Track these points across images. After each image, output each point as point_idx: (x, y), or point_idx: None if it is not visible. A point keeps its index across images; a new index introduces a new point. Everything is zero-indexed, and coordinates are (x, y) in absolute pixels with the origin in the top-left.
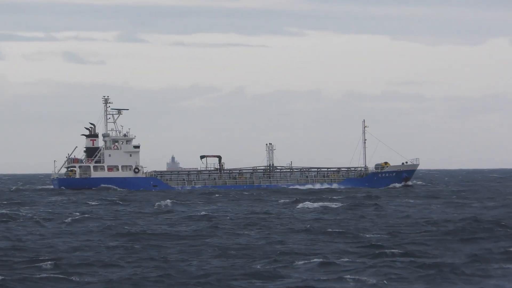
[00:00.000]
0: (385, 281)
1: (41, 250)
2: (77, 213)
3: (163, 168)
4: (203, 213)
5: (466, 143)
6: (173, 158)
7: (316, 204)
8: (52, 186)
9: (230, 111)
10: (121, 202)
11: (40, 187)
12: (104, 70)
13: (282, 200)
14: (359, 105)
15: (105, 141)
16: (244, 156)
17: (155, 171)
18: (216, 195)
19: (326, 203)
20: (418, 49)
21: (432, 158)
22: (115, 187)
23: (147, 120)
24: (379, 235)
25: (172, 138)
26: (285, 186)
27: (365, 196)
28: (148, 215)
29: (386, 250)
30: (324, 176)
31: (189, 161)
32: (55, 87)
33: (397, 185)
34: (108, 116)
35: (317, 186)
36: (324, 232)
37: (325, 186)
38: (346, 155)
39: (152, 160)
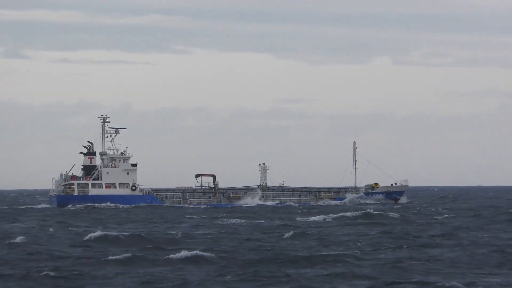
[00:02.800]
0: None
1: None
2: None
3: (50, 186)
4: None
5: (349, 160)
6: (61, 175)
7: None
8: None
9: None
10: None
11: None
12: None
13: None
14: (246, 122)
15: (103, 159)
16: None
17: (151, 189)
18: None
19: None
20: (302, 67)
21: (317, 175)
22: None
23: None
24: None
25: (57, 155)
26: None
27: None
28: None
29: None
30: (316, 196)
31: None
32: None
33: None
34: (106, 134)
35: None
36: None
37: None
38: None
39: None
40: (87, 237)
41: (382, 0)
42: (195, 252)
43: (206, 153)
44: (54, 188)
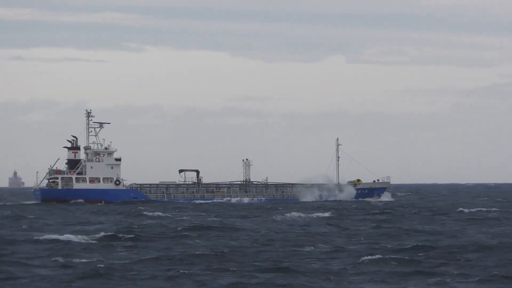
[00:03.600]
0: None
1: None
2: None
3: (5, 184)
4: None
5: (303, 158)
6: (15, 173)
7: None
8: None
9: (71, 125)
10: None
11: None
12: None
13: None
14: (201, 120)
15: (87, 154)
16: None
17: (135, 184)
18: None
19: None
20: (257, 65)
21: (268, 172)
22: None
23: None
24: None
25: (13, 154)
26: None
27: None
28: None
29: None
30: (298, 191)
31: (34, 177)
32: None
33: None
34: (90, 129)
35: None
36: None
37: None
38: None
39: None
40: None
41: (336, 0)
42: None
43: (161, 151)
44: (38, 182)
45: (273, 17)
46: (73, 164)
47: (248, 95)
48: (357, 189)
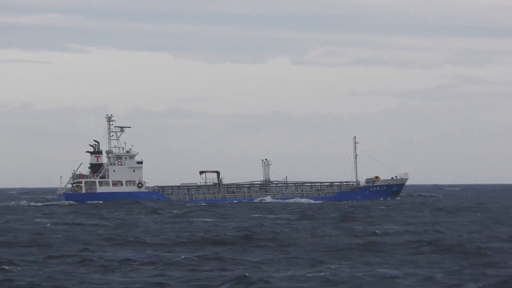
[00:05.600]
0: None
1: None
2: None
3: None
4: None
5: (246, 158)
6: None
7: None
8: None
9: (15, 126)
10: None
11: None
12: None
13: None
14: (145, 122)
15: (109, 158)
16: None
17: (157, 186)
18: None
19: None
20: (200, 66)
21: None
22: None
23: None
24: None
25: None
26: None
27: None
28: None
29: None
30: (318, 190)
31: None
32: None
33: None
34: (111, 133)
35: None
36: None
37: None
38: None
39: None
40: None
41: (280, 1)
42: None
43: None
44: (62, 186)
45: (217, 18)
46: (96, 168)
47: (192, 97)
48: (374, 186)
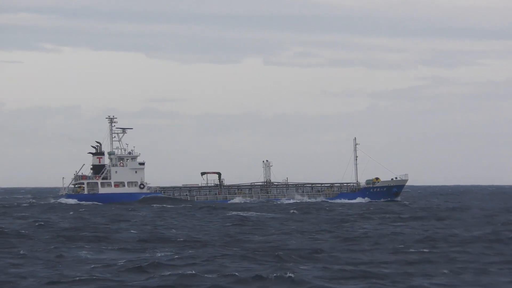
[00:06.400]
0: None
1: None
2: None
3: None
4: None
5: (218, 158)
6: None
7: None
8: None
9: None
10: None
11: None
12: None
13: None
14: (119, 121)
15: (111, 159)
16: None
17: (159, 187)
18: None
19: None
20: (173, 66)
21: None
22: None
23: None
24: None
25: None
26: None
27: None
28: None
29: None
30: (318, 191)
31: None
32: None
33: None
34: (113, 135)
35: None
36: None
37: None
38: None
39: None
40: None
41: (253, 2)
42: None
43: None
44: (64, 187)
45: (190, 19)
46: (98, 169)
47: (164, 97)
48: (375, 188)
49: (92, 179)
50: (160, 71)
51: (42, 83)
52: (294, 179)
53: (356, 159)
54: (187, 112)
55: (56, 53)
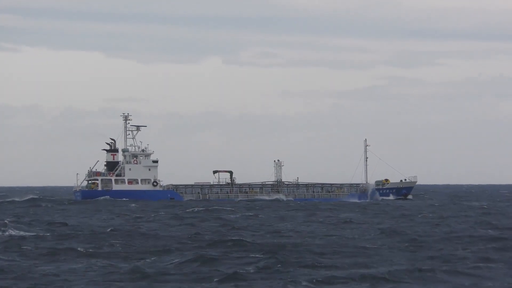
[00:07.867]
0: None
1: None
2: None
3: None
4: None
5: (185, 159)
6: None
7: None
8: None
9: None
10: None
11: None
12: None
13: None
14: (78, 121)
15: (125, 156)
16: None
17: (172, 185)
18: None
19: None
20: (133, 66)
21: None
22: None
23: None
24: None
25: None
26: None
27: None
28: None
29: None
30: (328, 192)
31: None
32: None
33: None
34: (128, 132)
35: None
36: None
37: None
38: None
39: None
40: None
41: (211, 1)
42: None
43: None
44: (78, 183)
45: (149, 19)
46: (112, 166)
47: (124, 96)
48: (384, 189)
49: (106, 175)
50: (119, 70)
51: (2, 82)
52: (305, 179)
53: (366, 160)
54: (147, 112)
55: (15, 53)
